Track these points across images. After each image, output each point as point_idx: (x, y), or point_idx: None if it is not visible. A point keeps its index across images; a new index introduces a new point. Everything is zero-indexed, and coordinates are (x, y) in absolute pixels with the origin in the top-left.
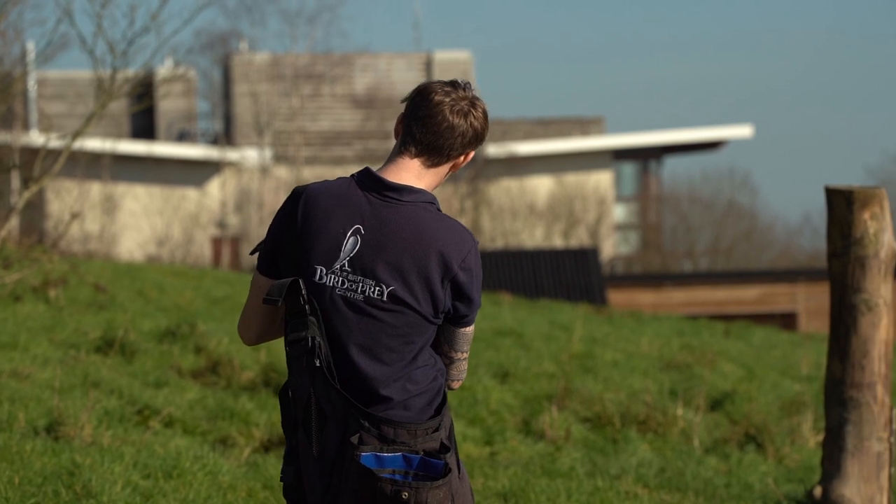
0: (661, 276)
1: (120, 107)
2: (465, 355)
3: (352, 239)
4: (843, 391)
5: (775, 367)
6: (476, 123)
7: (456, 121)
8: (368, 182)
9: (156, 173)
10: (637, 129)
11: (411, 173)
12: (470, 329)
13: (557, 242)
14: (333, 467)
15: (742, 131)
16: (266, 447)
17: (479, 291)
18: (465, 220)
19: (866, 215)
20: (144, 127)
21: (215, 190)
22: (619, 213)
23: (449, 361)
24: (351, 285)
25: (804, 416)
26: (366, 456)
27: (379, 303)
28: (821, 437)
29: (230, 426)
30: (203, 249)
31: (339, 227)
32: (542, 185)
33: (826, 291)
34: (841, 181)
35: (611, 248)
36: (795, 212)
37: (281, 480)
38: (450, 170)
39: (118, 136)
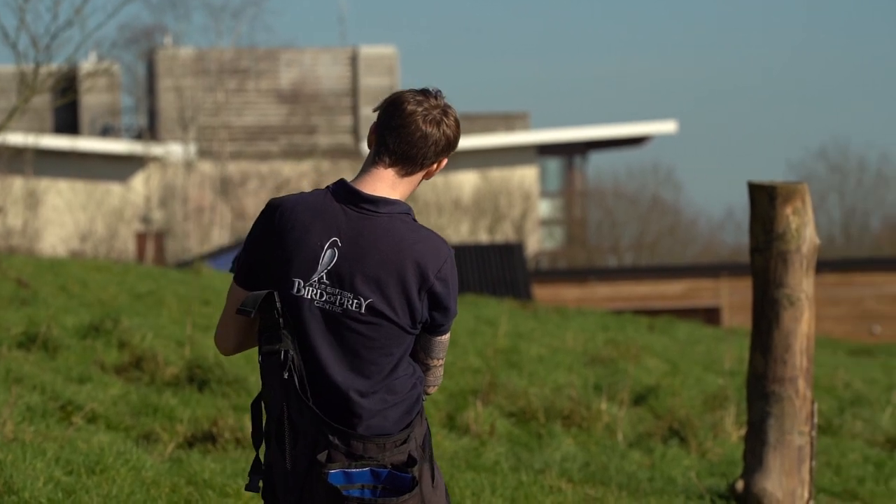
0: (585, 270)
1: (43, 101)
2: (442, 362)
3: (329, 251)
4: (765, 385)
5: (699, 362)
6: (448, 131)
7: (429, 130)
8: (344, 194)
9: (79, 168)
10: (562, 125)
11: (386, 183)
12: (446, 337)
13: (483, 238)
14: (305, 481)
15: (666, 127)
16: (190, 442)
17: (456, 300)
18: None
19: (788, 210)
20: (68, 122)
21: (139, 185)
22: (544, 208)
23: (425, 368)
24: (329, 298)
25: (727, 410)
26: (334, 474)
27: (357, 315)
28: (743, 432)
29: (154, 422)
30: (127, 244)
31: (317, 239)
32: (467, 181)
33: (749, 286)
34: (763, 177)
35: (536, 243)
36: (719, 207)
37: (246, 489)
38: (425, 176)
39: (41, 130)
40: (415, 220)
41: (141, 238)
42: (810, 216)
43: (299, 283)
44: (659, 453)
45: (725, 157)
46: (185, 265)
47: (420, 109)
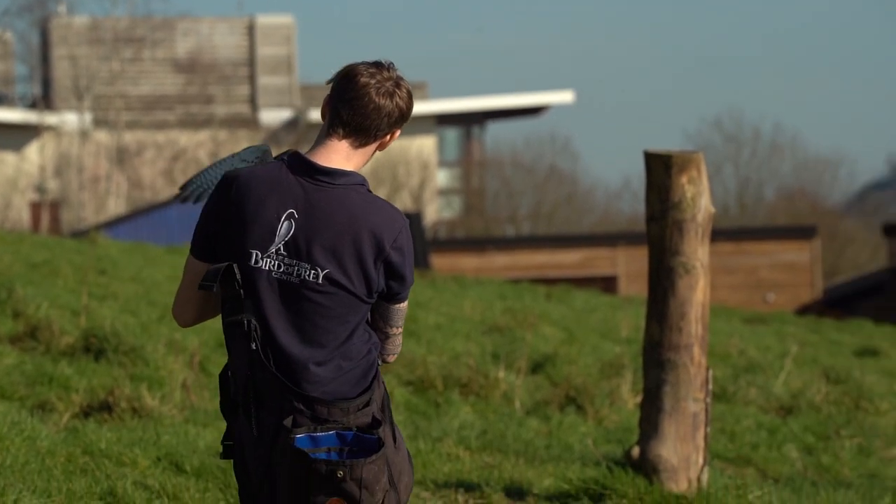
0: (483, 240)
1: None
2: (400, 330)
3: (286, 223)
4: (660, 353)
5: (596, 330)
6: (401, 103)
7: (382, 102)
8: (300, 166)
9: None
10: (460, 95)
11: (340, 155)
12: (404, 305)
13: None
14: (272, 448)
15: (563, 97)
16: (86, 412)
17: (412, 269)
18: None
19: (684, 179)
20: None
21: (34, 154)
22: (442, 177)
23: (384, 337)
24: (287, 269)
25: (623, 378)
26: (300, 438)
27: (314, 285)
28: (639, 399)
29: (49, 391)
30: (21, 214)
31: (274, 211)
32: None
33: (645, 255)
34: (660, 146)
35: (434, 212)
36: (615, 176)
37: (221, 458)
38: (379, 147)
39: None
40: (370, 192)
41: (35, 208)
42: (706, 185)
43: (257, 255)
44: (556, 421)
45: (622, 127)
46: (80, 235)
47: (373, 82)
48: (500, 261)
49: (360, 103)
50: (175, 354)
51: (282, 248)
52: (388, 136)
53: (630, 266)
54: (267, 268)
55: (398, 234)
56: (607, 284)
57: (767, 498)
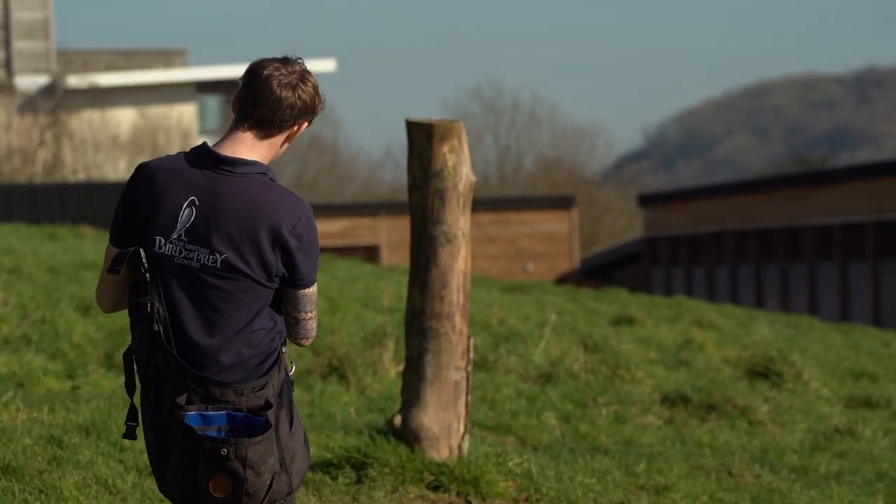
0: None
1: None
2: (310, 314)
3: (187, 210)
4: (422, 322)
5: (358, 299)
6: (304, 96)
7: (284, 94)
8: (203, 156)
9: None
10: (221, 62)
11: (245, 146)
12: (310, 290)
13: None
14: (168, 426)
15: (324, 65)
16: None
17: (315, 256)
18: (45, 153)
19: (445, 148)
20: None
21: None
22: None
23: (295, 322)
24: (188, 254)
25: (386, 347)
26: (191, 415)
27: (213, 270)
28: (401, 368)
29: None
30: None
31: (176, 199)
32: (125, 117)
33: (407, 224)
34: (421, 115)
35: None
36: (378, 146)
37: (124, 437)
38: (285, 140)
39: None
40: (272, 181)
41: None
42: (467, 154)
43: (160, 241)
44: (318, 390)
45: (384, 96)
46: None
47: (276, 74)
48: None
49: (262, 95)
50: None
51: (183, 234)
52: (296, 128)
53: (392, 235)
54: (169, 253)
55: (297, 220)
56: (369, 253)
57: (526, 465)
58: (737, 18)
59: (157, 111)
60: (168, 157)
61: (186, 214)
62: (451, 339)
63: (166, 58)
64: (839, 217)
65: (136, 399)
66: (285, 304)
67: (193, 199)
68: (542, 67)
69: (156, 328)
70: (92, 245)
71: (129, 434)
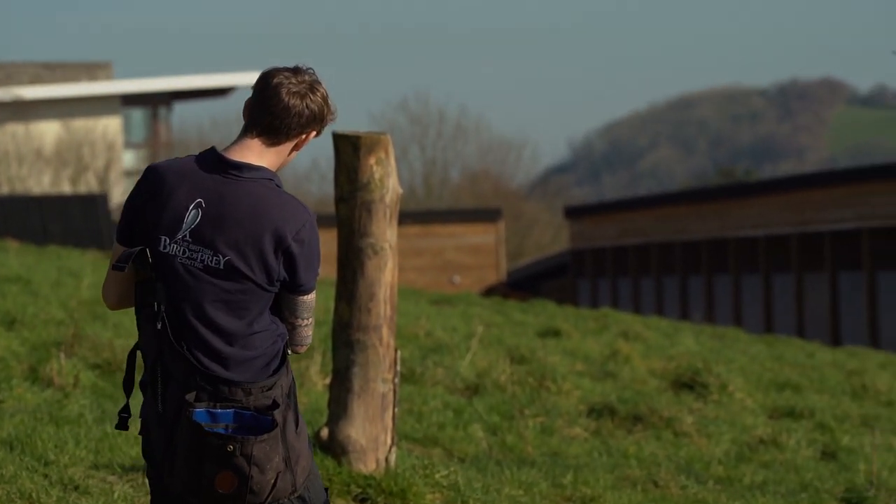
0: None
1: None
2: (307, 321)
3: (193, 212)
4: (350, 334)
5: None
6: (313, 106)
7: (292, 102)
8: (212, 160)
9: None
10: (146, 75)
11: (253, 152)
12: (309, 297)
13: (65, 188)
14: (174, 424)
15: (250, 78)
16: None
17: (315, 262)
18: None
19: (372, 160)
20: None
21: None
22: (128, 159)
23: (291, 327)
24: (192, 255)
25: (312, 359)
26: (199, 412)
27: (216, 271)
28: (328, 380)
29: None
30: None
31: (183, 200)
32: (49, 130)
33: (335, 236)
34: (348, 127)
35: (120, 194)
36: (304, 158)
37: (116, 428)
38: (293, 149)
39: None
40: (279, 186)
41: None
42: (393, 166)
43: (165, 241)
44: None
45: None
46: None
47: (286, 82)
48: None
49: (270, 103)
50: None
51: (188, 235)
52: (304, 137)
53: None
54: (174, 253)
55: (301, 227)
56: None
57: (454, 477)
58: (661, 32)
59: (81, 124)
60: (177, 159)
61: (192, 216)
62: (379, 351)
63: (91, 71)
64: (763, 229)
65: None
66: (283, 309)
67: (200, 201)
68: (468, 80)
69: (159, 326)
70: (16, 258)
71: (122, 425)
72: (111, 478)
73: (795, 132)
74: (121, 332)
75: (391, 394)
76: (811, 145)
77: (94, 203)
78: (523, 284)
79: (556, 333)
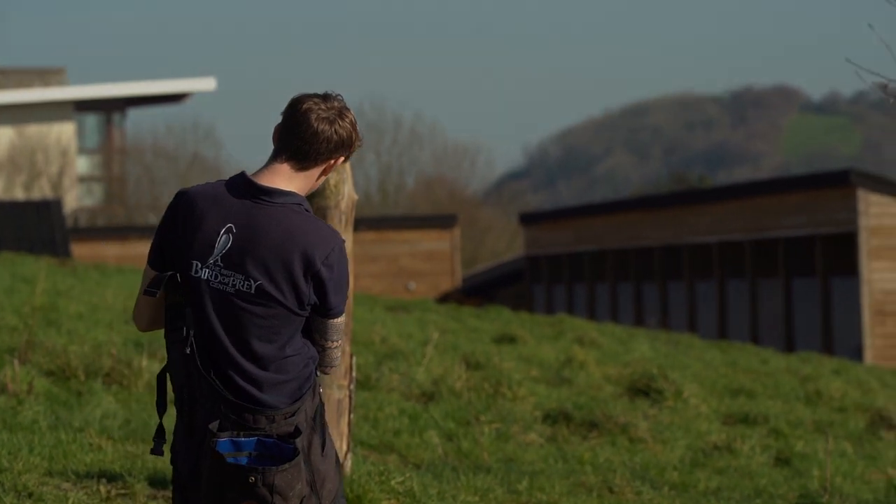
0: (125, 228)
1: None
2: (337, 344)
3: (224, 237)
4: None
5: None
6: (341, 131)
7: (322, 127)
8: (242, 185)
9: None
10: (100, 81)
11: (282, 177)
12: (339, 320)
13: (19, 195)
14: (200, 448)
15: (205, 84)
16: None
17: (345, 286)
18: None
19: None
20: None
21: None
22: (82, 164)
23: (321, 350)
24: (223, 279)
25: None
26: (222, 442)
27: (247, 296)
28: None
29: None
30: None
31: (214, 225)
32: (2, 137)
33: None
34: None
35: (74, 200)
36: (258, 164)
37: (151, 453)
38: (321, 174)
39: None
40: (308, 211)
41: None
42: (349, 172)
43: (197, 265)
44: None
45: (264, 114)
46: None
47: (315, 108)
48: (142, 249)
49: (299, 129)
50: None
51: (219, 260)
52: (333, 162)
53: None
54: (205, 277)
55: (330, 251)
56: None
57: (409, 483)
58: (616, 38)
59: (34, 130)
60: (208, 183)
61: (223, 240)
62: None
63: (44, 76)
64: (717, 235)
65: (166, 419)
66: (314, 332)
67: (231, 226)
68: (423, 86)
69: (188, 351)
70: None
71: (157, 450)
72: (66, 485)
73: (749, 139)
74: (74, 338)
75: (347, 400)
76: (765, 152)
77: (48, 209)
78: (478, 291)
79: (511, 340)
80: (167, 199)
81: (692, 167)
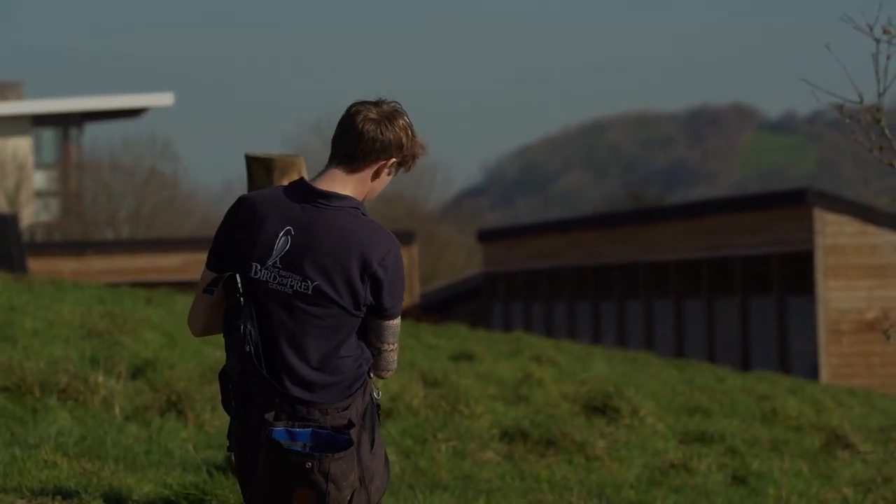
0: (82, 243)
1: None
2: (393, 346)
3: (283, 239)
4: None
5: None
6: (388, 133)
7: (367, 128)
8: (301, 190)
9: None
10: (57, 95)
11: (337, 181)
12: (395, 322)
13: None
14: (257, 442)
15: (163, 99)
16: None
17: (400, 288)
18: None
19: (285, 183)
20: None
21: None
22: (39, 179)
23: (377, 352)
24: (282, 280)
25: None
26: (277, 430)
27: (305, 296)
28: None
29: None
30: None
31: (273, 228)
32: None
33: None
34: (260, 149)
35: (31, 215)
36: (217, 179)
37: (228, 451)
38: (374, 176)
39: None
40: (364, 215)
41: None
42: None
43: (256, 267)
44: (156, 426)
45: (223, 129)
46: None
47: (363, 111)
48: (99, 264)
49: (347, 131)
50: None
51: (278, 262)
52: (384, 164)
53: None
54: (264, 279)
55: (386, 253)
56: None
57: None
58: (573, 55)
59: None
60: (267, 189)
61: (282, 243)
62: None
63: (1, 90)
64: (674, 254)
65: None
66: (369, 334)
67: (289, 229)
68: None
69: (247, 349)
70: None
71: (231, 447)
72: (20, 501)
73: (706, 157)
74: (30, 354)
75: None
76: (722, 170)
77: (4, 224)
78: (436, 307)
79: (469, 357)
80: (124, 213)
81: (650, 185)
